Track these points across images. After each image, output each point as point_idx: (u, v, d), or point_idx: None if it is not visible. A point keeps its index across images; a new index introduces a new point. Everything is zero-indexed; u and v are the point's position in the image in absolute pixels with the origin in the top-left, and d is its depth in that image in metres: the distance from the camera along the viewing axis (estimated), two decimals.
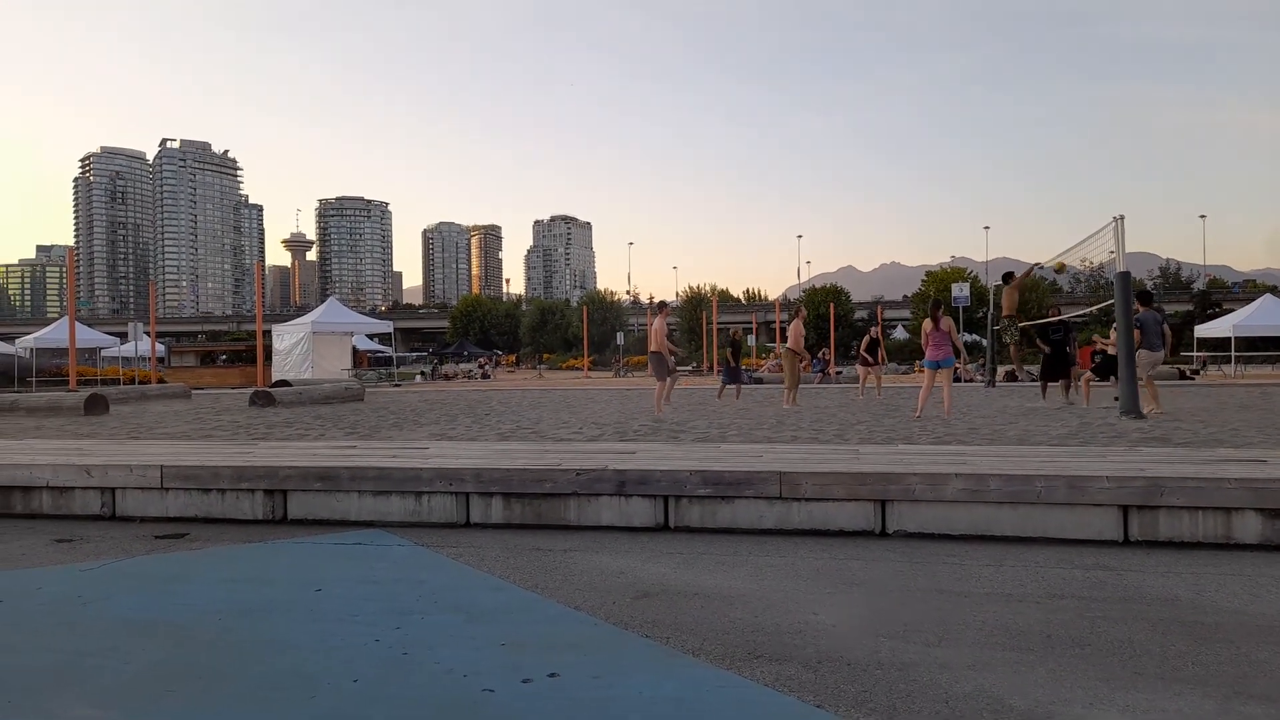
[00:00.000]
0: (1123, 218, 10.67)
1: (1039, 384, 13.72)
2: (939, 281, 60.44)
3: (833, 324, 43.42)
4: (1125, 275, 10.28)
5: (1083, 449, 6.11)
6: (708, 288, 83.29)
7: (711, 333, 46.27)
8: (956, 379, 25.18)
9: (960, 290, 28.14)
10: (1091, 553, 3.98)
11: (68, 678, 2.55)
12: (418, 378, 37.68)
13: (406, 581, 3.65)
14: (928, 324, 10.78)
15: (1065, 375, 13.02)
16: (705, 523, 4.58)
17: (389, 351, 45.03)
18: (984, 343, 28.27)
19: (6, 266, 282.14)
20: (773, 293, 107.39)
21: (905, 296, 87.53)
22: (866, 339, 16.62)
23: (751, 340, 50.17)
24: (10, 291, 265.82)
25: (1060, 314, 13.15)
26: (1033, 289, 56.96)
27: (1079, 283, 77.27)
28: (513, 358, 73.87)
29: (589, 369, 48.43)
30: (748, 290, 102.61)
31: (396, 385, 30.55)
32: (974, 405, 13.41)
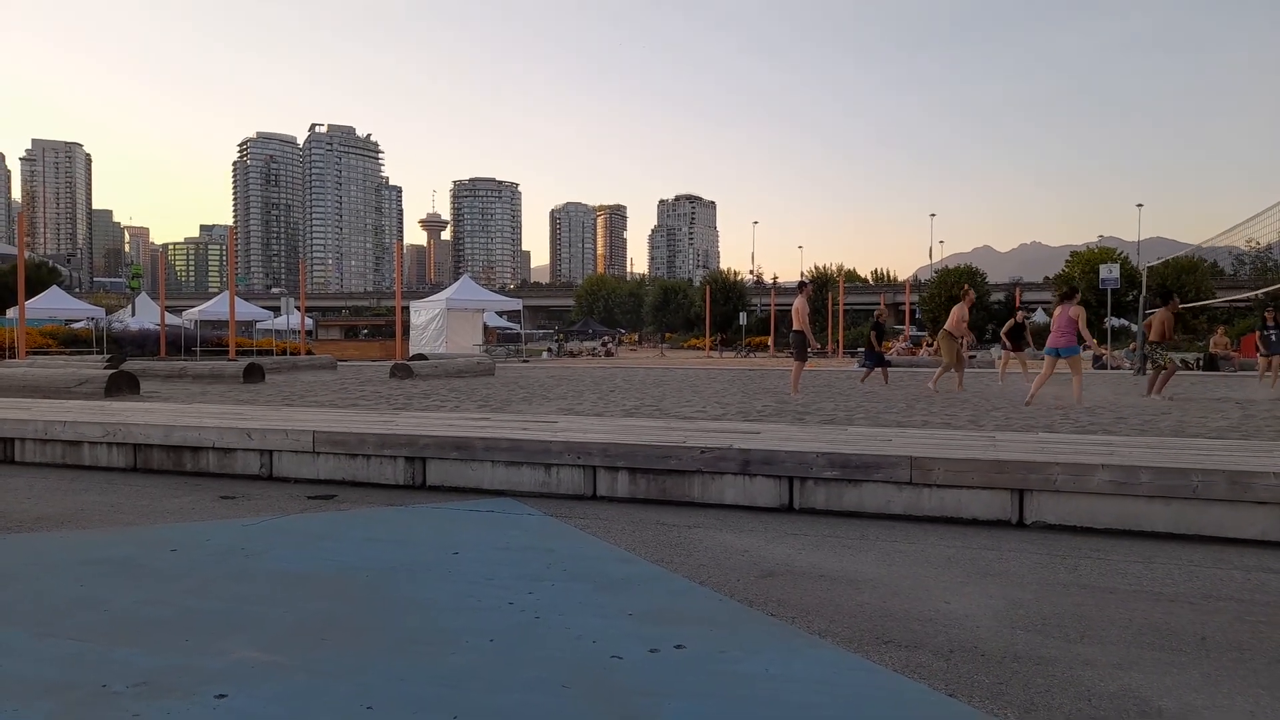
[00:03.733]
0: None
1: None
2: (1085, 263, 56.96)
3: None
4: None
5: (1245, 443, 5.67)
6: (834, 268, 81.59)
7: (838, 314, 45.31)
8: (1101, 365, 23.83)
9: (1109, 272, 26.44)
10: (1254, 554, 3.71)
11: (236, 622, 2.78)
12: (544, 354, 38.64)
13: (537, 549, 3.77)
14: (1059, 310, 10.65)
15: None
16: (830, 505, 4.53)
17: (517, 328, 46.37)
18: (1133, 328, 26.46)
19: (174, 244, 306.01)
20: (902, 273, 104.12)
21: (1046, 278, 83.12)
22: (1010, 323, 15.97)
23: (871, 324, 48.74)
24: (177, 267, 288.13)
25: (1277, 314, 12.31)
26: (1190, 271, 52.94)
27: (1242, 265, 71.23)
28: (635, 336, 74.63)
29: (710, 349, 48.35)
30: (875, 270, 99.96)
31: (524, 361, 31.44)
32: (1121, 394, 12.64)
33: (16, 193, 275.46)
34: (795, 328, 12.30)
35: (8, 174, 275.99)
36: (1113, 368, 22.40)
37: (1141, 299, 20.02)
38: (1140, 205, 75.18)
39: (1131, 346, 25.62)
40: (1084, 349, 10.79)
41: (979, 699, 2.19)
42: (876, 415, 8.82)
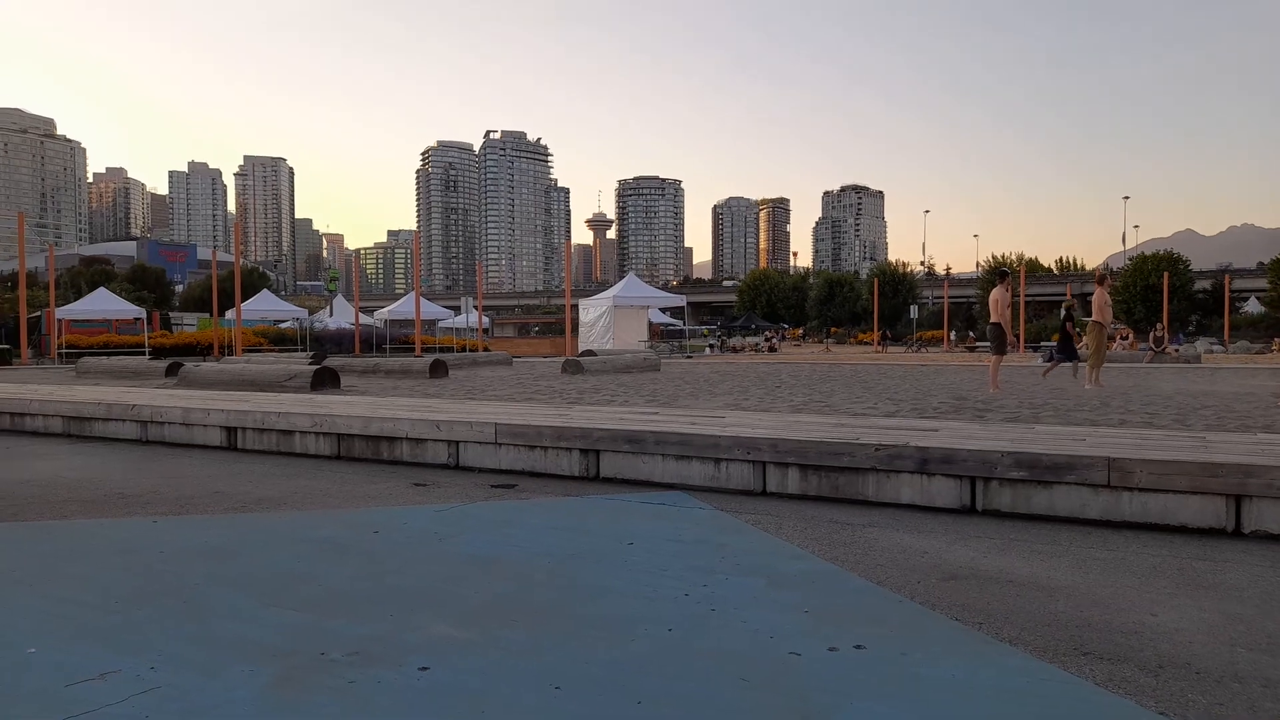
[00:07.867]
0: None
1: None
2: None
3: (1166, 296, 38.39)
4: None
5: None
6: (1014, 257, 77.16)
7: (1018, 306, 42.76)
8: None
9: None
10: None
11: (431, 600, 2.98)
12: (707, 350, 38.77)
13: (709, 543, 3.81)
14: None
15: None
16: (1017, 508, 4.30)
17: (680, 324, 46.77)
18: None
19: (365, 249, 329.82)
20: (1091, 261, 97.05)
21: (1260, 264, 74.99)
22: None
23: (1062, 314, 45.75)
24: (368, 271, 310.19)
25: None
26: None
27: None
28: (799, 331, 73.45)
29: (878, 344, 46.90)
30: (1060, 259, 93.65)
31: (688, 357, 31.67)
32: None
33: (231, 205, 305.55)
34: (992, 320, 11.79)
35: (224, 188, 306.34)
36: None
37: None
38: None
39: None
40: None
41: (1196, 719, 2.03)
42: (1066, 413, 8.26)
